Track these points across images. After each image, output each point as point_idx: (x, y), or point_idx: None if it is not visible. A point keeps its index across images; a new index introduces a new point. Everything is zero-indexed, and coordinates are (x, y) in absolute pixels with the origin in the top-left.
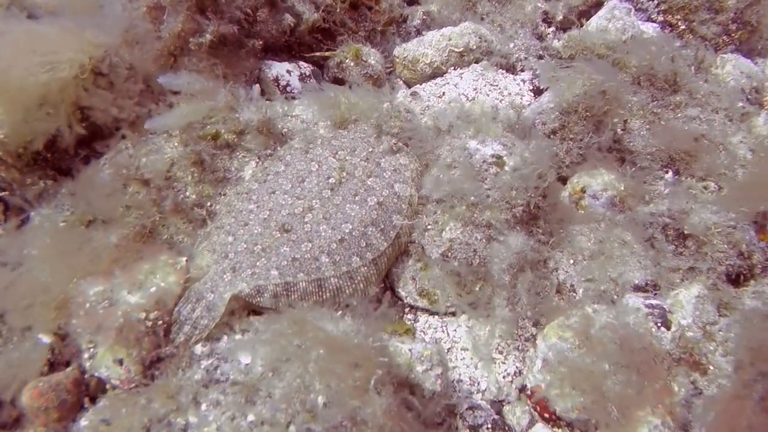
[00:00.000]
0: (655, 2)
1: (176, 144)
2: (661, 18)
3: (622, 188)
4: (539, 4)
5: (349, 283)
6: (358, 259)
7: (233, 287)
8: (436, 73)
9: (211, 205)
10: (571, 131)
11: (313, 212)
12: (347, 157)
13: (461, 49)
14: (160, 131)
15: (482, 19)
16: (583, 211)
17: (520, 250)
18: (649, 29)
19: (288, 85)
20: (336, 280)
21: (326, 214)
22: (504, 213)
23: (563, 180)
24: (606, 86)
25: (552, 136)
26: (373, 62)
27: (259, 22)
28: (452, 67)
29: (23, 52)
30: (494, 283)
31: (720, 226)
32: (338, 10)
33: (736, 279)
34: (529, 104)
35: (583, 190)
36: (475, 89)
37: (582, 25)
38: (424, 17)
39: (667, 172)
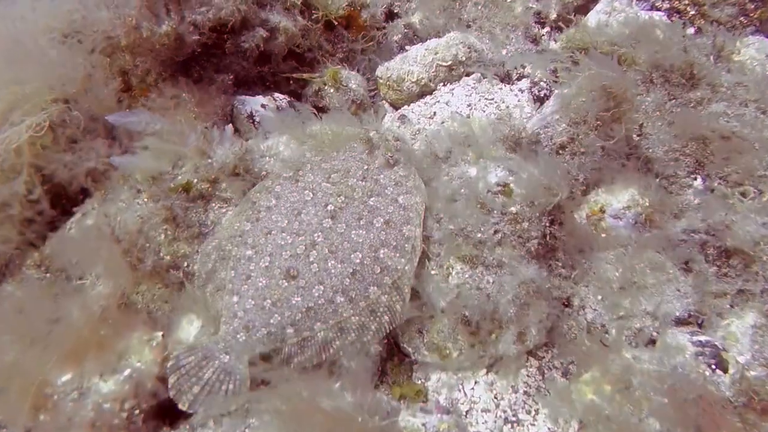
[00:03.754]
0: None
1: (145, 199)
2: (666, 5)
3: (647, 203)
4: (530, 4)
5: (371, 318)
6: (375, 288)
7: (251, 350)
8: (425, 92)
9: (188, 266)
10: (581, 144)
11: (317, 248)
12: (342, 180)
13: (449, 63)
14: (127, 171)
15: (468, 26)
16: (604, 234)
17: (528, 279)
18: (655, 18)
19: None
20: (357, 318)
21: (332, 247)
22: (517, 249)
23: (579, 200)
24: (610, 81)
25: (561, 152)
26: (354, 86)
27: (228, 54)
28: (441, 83)
29: None
30: (502, 320)
31: None
32: (314, 32)
33: None
34: (530, 116)
35: (602, 210)
36: (469, 105)
37: (579, 23)
38: (406, 30)
39: (695, 179)
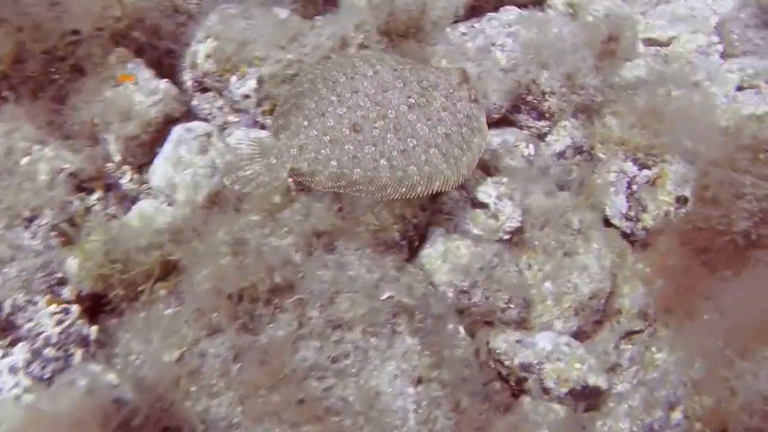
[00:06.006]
0: (255, 99)
1: None
2: (269, 121)
3: None
4: (62, 164)
5: (397, 187)
6: (415, 168)
7: (295, 161)
8: None
9: None
10: None
11: (386, 120)
12: (429, 89)
13: None
14: None
15: None
16: None
17: None
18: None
19: None
20: (387, 180)
21: (397, 125)
22: None
23: None
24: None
25: None
26: None
27: None
28: None
29: None
30: None
31: None
32: None
33: None
34: None
35: None
36: None
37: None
38: None
39: None
